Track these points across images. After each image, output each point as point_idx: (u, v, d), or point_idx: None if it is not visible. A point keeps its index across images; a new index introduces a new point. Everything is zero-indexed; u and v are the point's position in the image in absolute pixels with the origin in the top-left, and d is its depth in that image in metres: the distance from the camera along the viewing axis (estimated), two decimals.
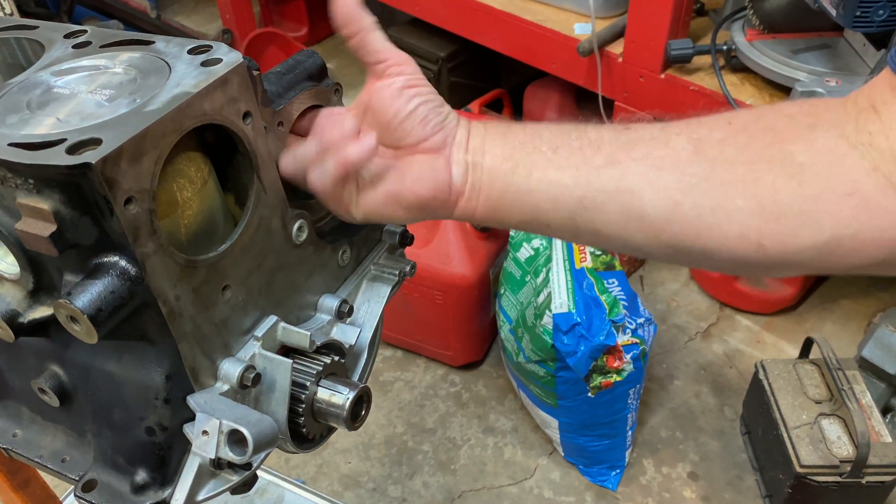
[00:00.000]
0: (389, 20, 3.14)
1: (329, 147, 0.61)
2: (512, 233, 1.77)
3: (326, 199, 0.64)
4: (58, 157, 0.46)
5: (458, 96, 2.44)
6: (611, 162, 0.59)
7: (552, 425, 1.72)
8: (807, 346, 1.72)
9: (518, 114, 2.40)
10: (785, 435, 1.54)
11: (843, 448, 1.50)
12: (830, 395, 1.60)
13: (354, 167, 0.60)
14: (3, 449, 0.65)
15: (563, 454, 1.79)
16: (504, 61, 2.39)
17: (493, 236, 1.87)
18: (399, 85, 0.62)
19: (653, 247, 0.59)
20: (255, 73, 0.59)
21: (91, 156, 0.46)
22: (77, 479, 0.60)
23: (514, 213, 0.62)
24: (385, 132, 0.62)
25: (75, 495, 0.59)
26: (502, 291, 1.79)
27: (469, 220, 0.65)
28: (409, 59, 0.63)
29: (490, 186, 0.62)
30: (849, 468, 1.46)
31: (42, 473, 0.96)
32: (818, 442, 1.52)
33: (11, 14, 2.48)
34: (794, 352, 2.03)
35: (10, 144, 0.48)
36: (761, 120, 0.58)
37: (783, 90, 1.68)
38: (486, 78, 2.54)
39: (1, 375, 0.65)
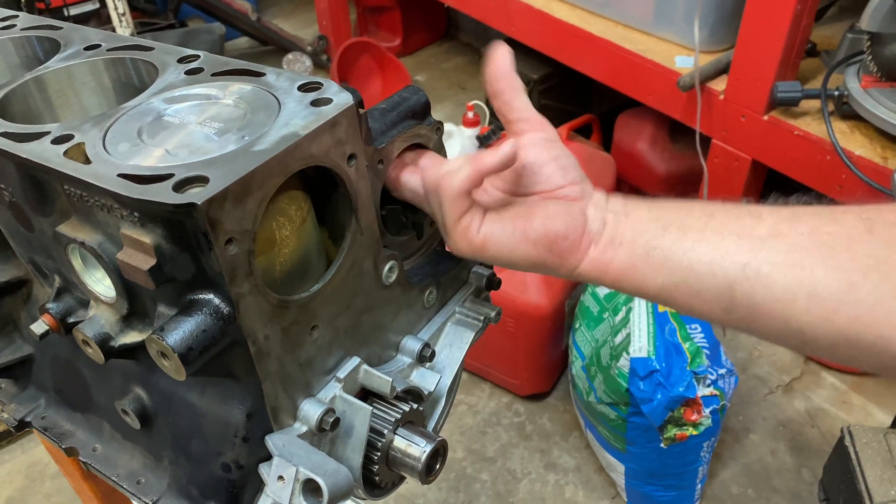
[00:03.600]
0: (483, 38, 3.13)
1: (471, 158, 0.58)
2: None
3: (448, 209, 0.58)
4: (164, 195, 0.46)
5: (547, 119, 2.40)
6: (775, 234, 0.54)
7: (618, 469, 1.67)
8: None
9: (607, 141, 2.35)
10: None
11: None
12: None
13: (490, 171, 0.57)
14: (83, 462, 0.65)
15: (626, 500, 1.73)
16: (596, 87, 2.34)
17: None
18: (541, 137, 0.61)
19: (819, 331, 0.53)
20: (361, 112, 0.57)
21: (197, 195, 0.45)
22: (151, 503, 0.60)
23: (658, 275, 0.56)
24: (524, 177, 0.60)
25: None
26: (577, 326, 1.74)
27: (597, 277, 0.59)
28: (549, 123, 0.62)
29: (633, 242, 0.57)
30: None
31: None
32: None
33: (123, 14, 2.58)
34: (883, 417, 1.90)
35: (119, 175, 0.48)
36: None
37: None
38: (576, 102, 2.50)
39: (87, 390, 0.66)
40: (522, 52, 2.41)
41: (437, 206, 0.60)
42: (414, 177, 0.63)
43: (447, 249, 0.64)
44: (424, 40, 3.43)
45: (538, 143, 0.61)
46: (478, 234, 0.59)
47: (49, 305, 0.60)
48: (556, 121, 2.33)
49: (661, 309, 1.53)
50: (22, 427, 0.69)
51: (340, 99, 0.54)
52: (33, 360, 0.70)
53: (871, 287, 0.51)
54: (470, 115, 2.47)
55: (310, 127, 0.51)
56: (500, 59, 0.62)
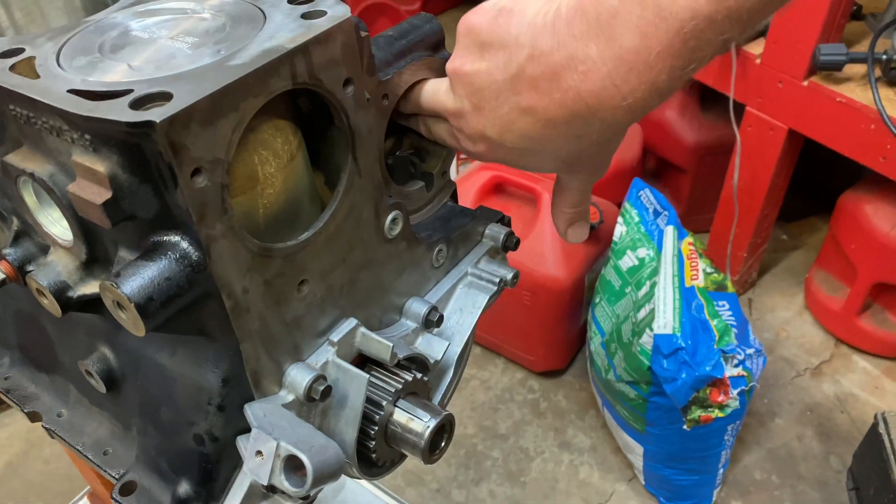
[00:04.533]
0: None
1: None
2: (615, 238, 1.63)
3: None
4: (118, 112, 0.38)
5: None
6: None
7: (636, 451, 1.59)
8: None
9: None
10: None
11: None
12: None
13: None
14: (47, 429, 0.59)
15: (643, 483, 1.65)
16: None
17: (594, 239, 1.74)
18: None
19: None
20: (364, 34, 0.49)
21: (156, 113, 0.37)
22: (117, 477, 0.53)
23: None
24: None
25: (111, 497, 0.52)
26: (597, 300, 1.66)
27: None
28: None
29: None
30: None
31: None
32: None
33: None
34: None
35: (69, 91, 0.41)
36: None
37: None
38: None
39: (52, 348, 0.59)
40: None
41: None
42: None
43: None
44: (445, 4, 3.31)
45: None
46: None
47: (6, 251, 0.53)
48: None
49: (687, 283, 1.44)
50: None
51: (336, 11, 0.46)
52: None
53: None
54: None
55: (298, 41, 0.43)
56: None
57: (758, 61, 1.69)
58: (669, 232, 1.53)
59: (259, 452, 0.46)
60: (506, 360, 1.95)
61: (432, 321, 0.61)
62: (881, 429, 1.50)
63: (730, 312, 1.46)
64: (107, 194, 0.40)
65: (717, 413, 1.36)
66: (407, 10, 3.08)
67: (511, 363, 1.94)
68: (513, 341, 1.88)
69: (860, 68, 1.58)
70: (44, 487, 1.72)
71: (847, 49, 1.54)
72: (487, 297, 0.67)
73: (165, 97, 0.39)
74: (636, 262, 1.56)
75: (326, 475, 0.46)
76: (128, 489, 0.52)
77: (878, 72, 1.55)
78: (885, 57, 1.53)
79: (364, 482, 1.42)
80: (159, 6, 0.50)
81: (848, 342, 1.95)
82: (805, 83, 1.62)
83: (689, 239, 1.55)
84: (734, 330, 1.39)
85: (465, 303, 0.66)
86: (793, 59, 1.62)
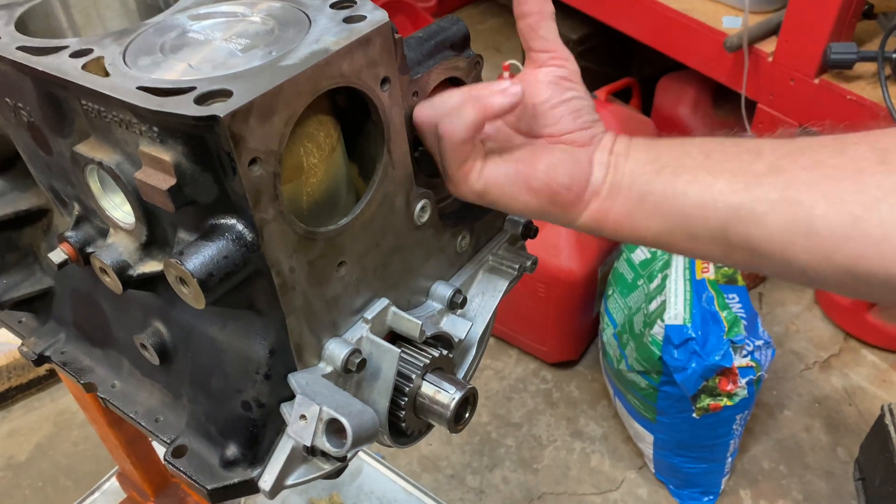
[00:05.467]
0: None
1: (473, 98, 0.55)
2: None
3: (450, 156, 0.57)
4: (185, 107, 0.43)
5: (585, 82, 2.30)
6: (774, 170, 0.50)
7: (646, 439, 1.63)
8: None
9: (648, 106, 2.27)
10: None
11: None
12: None
13: (495, 116, 0.54)
14: (101, 399, 0.64)
15: (653, 471, 1.70)
16: (637, 49, 2.26)
17: None
18: (558, 74, 0.57)
19: (822, 269, 0.50)
20: (397, 36, 0.54)
21: (219, 108, 0.42)
22: (168, 441, 0.58)
23: (653, 221, 0.54)
24: (533, 117, 0.56)
25: (164, 459, 0.57)
26: (610, 292, 1.70)
27: (596, 228, 0.58)
28: (572, 57, 0.58)
29: (630, 188, 0.55)
30: None
31: None
32: None
33: None
34: None
35: (138, 88, 0.45)
36: None
37: None
38: (616, 65, 2.42)
39: (107, 324, 0.64)
40: (561, 11, 2.33)
41: (434, 145, 0.58)
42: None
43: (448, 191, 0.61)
44: (460, 1, 3.35)
45: (553, 80, 0.57)
46: (479, 179, 0.57)
47: (68, 234, 0.58)
48: (595, 84, 2.26)
49: (698, 276, 1.48)
50: (41, 362, 0.67)
51: (375, 16, 0.50)
52: (53, 294, 0.68)
53: (877, 221, 0.46)
54: (506, 75, 2.41)
55: (341, 43, 0.47)
56: None
57: (770, 59, 1.72)
58: None
59: (303, 416, 0.51)
60: (519, 350, 2.00)
61: (457, 303, 0.65)
62: (888, 420, 1.53)
63: (739, 305, 1.50)
64: (172, 181, 0.45)
65: (725, 401, 1.39)
66: (423, 6, 3.12)
67: (524, 354, 1.99)
68: (526, 332, 1.93)
69: (871, 67, 1.60)
70: (72, 468, 1.78)
71: (858, 48, 1.57)
72: (507, 283, 0.71)
73: (226, 94, 0.43)
74: (648, 256, 1.60)
75: (364, 437, 0.50)
76: (179, 452, 0.57)
77: (888, 70, 1.57)
78: (895, 55, 1.55)
79: (380, 467, 1.47)
80: (213, 9, 0.54)
81: (857, 336, 1.97)
82: (816, 81, 1.65)
83: None
84: (743, 322, 1.43)
85: (486, 287, 0.71)
86: (804, 58, 1.64)
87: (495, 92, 0.53)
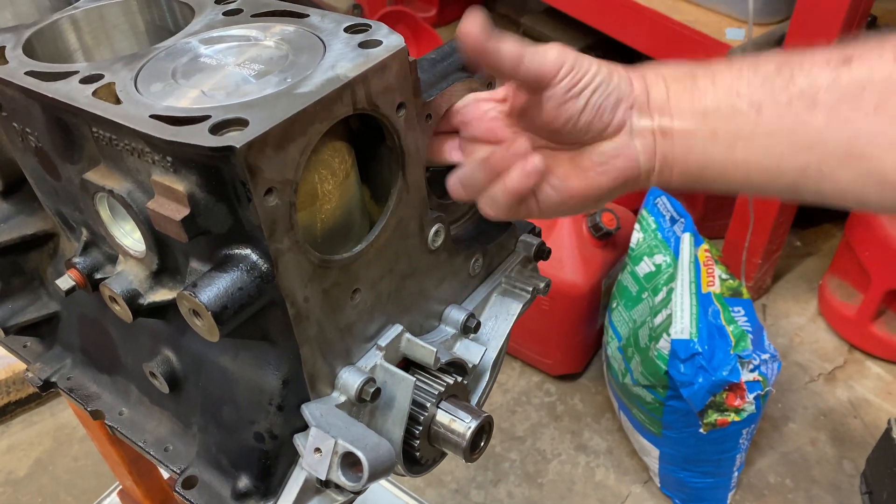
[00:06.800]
0: (522, 9, 3.04)
1: (494, 169, 0.55)
2: (632, 245, 1.66)
3: (506, 216, 0.58)
4: (200, 137, 0.42)
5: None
6: (835, 121, 0.49)
7: (652, 454, 1.62)
8: None
9: None
10: None
11: None
12: None
13: (524, 192, 0.55)
14: (109, 426, 0.62)
15: (659, 485, 1.68)
16: (639, 60, 2.26)
17: (611, 245, 1.77)
18: (562, 92, 0.53)
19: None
20: (411, 60, 0.53)
21: (235, 138, 0.41)
22: (178, 471, 0.57)
23: (718, 185, 0.54)
24: (560, 136, 0.55)
25: (175, 490, 0.56)
26: (614, 305, 1.69)
27: (666, 188, 0.58)
28: (562, 52, 0.53)
29: (685, 161, 0.54)
30: None
31: None
32: None
33: None
34: None
35: (151, 116, 0.44)
36: None
37: None
38: None
39: (114, 350, 0.63)
40: (563, 22, 2.34)
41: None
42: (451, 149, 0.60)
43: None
44: (461, 11, 3.33)
45: (562, 100, 0.53)
46: (542, 214, 0.58)
47: (76, 260, 0.57)
48: None
49: (704, 290, 1.47)
50: (47, 387, 0.66)
51: (391, 41, 0.49)
52: (60, 319, 0.67)
53: None
54: None
55: (358, 70, 0.46)
56: (473, 23, 0.50)
57: None
58: (686, 239, 1.56)
59: (318, 449, 0.49)
60: (523, 363, 1.98)
61: (470, 327, 0.64)
62: (894, 434, 1.52)
63: (745, 318, 1.49)
64: (185, 211, 0.44)
65: (733, 417, 1.38)
66: (424, 17, 3.12)
67: (528, 367, 1.98)
68: (530, 345, 1.91)
69: None
70: (73, 484, 1.76)
71: None
72: (521, 305, 0.70)
73: (242, 123, 0.43)
74: (653, 269, 1.59)
75: (380, 471, 0.49)
76: (190, 483, 0.56)
77: None
78: None
79: (385, 483, 1.46)
80: (225, 33, 0.54)
81: (861, 348, 1.97)
82: None
83: (705, 246, 1.57)
84: (750, 336, 1.42)
85: (499, 310, 0.70)
86: None
87: (515, 170, 0.54)
